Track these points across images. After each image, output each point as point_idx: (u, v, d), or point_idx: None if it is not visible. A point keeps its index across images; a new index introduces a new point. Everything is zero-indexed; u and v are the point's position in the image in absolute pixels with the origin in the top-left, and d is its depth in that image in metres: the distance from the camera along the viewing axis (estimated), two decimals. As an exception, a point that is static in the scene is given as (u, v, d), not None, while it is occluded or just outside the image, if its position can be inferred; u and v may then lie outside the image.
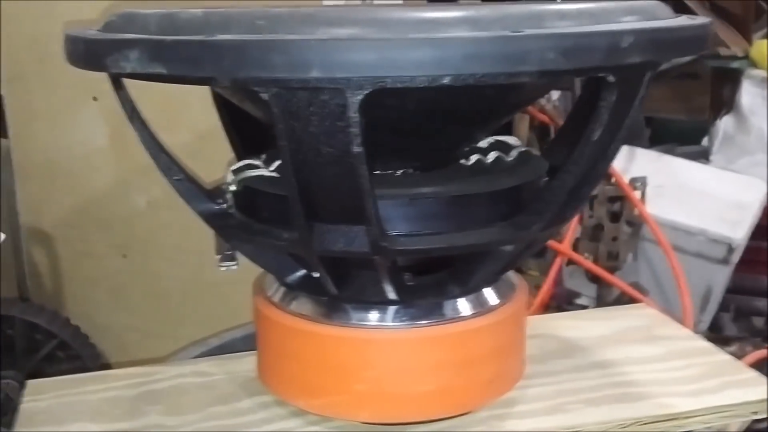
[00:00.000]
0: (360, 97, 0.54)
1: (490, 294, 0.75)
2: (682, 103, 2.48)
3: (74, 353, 1.28)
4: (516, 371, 0.77)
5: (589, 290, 1.81)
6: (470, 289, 0.72)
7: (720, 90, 2.26)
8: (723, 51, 2.19)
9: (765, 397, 0.78)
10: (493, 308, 0.74)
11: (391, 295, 0.69)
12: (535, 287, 1.70)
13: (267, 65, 0.51)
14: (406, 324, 0.71)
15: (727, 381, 0.80)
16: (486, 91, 0.61)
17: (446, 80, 0.53)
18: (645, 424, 0.75)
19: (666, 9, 0.66)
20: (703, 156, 2.08)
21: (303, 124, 0.57)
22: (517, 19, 0.55)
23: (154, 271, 1.29)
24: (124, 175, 1.25)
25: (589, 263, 1.67)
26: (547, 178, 0.73)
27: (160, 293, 1.30)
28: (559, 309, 1.86)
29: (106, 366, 1.35)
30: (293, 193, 0.61)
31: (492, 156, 0.75)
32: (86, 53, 0.60)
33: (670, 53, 0.61)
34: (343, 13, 0.55)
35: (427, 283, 0.72)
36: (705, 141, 2.12)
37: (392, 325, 0.71)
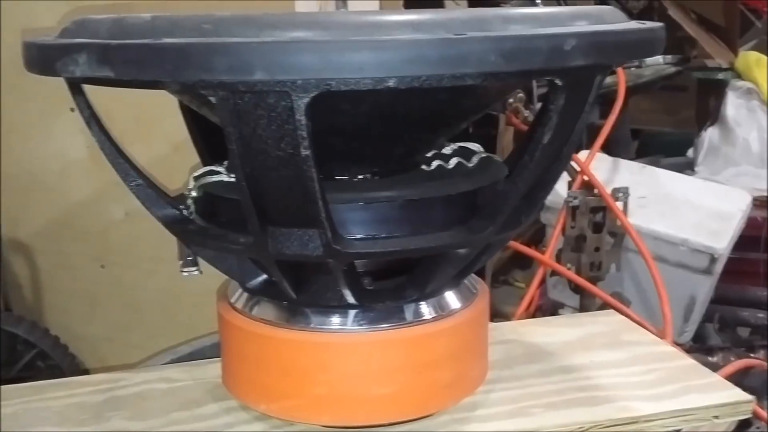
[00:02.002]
0: (306, 100, 0.54)
1: (451, 298, 0.75)
2: (670, 116, 2.50)
3: (53, 363, 1.28)
4: (477, 375, 0.78)
5: (572, 301, 1.81)
6: (428, 293, 0.72)
7: (705, 101, 2.27)
8: (708, 62, 2.21)
9: (726, 401, 0.78)
10: (453, 312, 0.74)
11: (350, 298, 0.69)
12: (521, 299, 1.71)
13: (210, 68, 0.52)
14: (366, 328, 0.71)
15: (689, 385, 0.81)
16: (438, 95, 0.62)
17: (391, 83, 0.54)
18: (605, 427, 0.75)
19: (618, 14, 0.66)
20: (688, 167, 2.09)
21: (251, 128, 0.57)
22: (461, 23, 0.56)
23: (132, 282, 1.29)
24: (101, 186, 1.26)
25: (571, 274, 1.67)
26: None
27: (137, 304, 1.30)
28: (545, 320, 1.86)
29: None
30: (245, 196, 0.61)
31: (453, 162, 0.76)
32: (39, 58, 0.61)
33: (617, 56, 0.62)
34: (288, 17, 0.56)
35: (386, 287, 0.73)
36: (690, 152, 2.13)
37: (352, 328, 0.71)
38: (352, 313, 0.71)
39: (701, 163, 2.07)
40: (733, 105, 2.05)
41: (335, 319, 0.71)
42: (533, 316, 1.79)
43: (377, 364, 0.71)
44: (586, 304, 1.73)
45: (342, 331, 0.71)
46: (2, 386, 0.83)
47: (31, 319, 1.28)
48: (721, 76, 2.14)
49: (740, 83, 2.07)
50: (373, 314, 0.71)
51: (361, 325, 0.71)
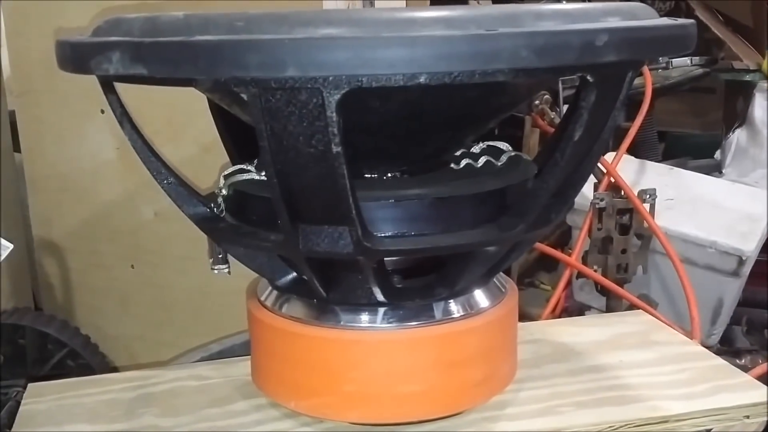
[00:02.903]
0: (338, 97, 0.55)
1: (480, 296, 0.75)
2: (697, 117, 2.48)
3: (84, 362, 1.29)
4: (506, 374, 0.78)
5: (599, 303, 1.80)
6: (457, 291, 0.72)
7: (733, 103, 2.25)
8: (736, 64, 2.19)
9: (758, 400, 0.77)
10: (482, 310, 0.74)
11: (379, 296, 0.70)
12: (547, 301, 1.70)
13: (243, 65, 0.52)
14: (395, 325, 0.71)
15: (719, 385, 0.80)
16: (467, 92, 0.62)
17: (422, 79, 0.54)
18: (635, 426, 0.74)
19: (650, 11, 0.66)
20: (715, 169, 2.07)
21: (282, 125, 0.58)
22: (492, 20, 0.56)
23: (162, 282, 1.31)
24: (131, 186, 1.27)
25: (598, 276, 1.66)
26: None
27: (167, 303, 1.31)
28: (571, 322, 1.85)
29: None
30: (276, 194, 0.62)
31: (482, 161, 0.76)
32: (73, 57, 0.62)
33: (649, 52, 0.61)
34: (319, 14, 0.56)
35: (415, 285, 0.73)
36: (718, 154, 2.11)
37: (381, 326, 0.71)
38: (381, 310, 0.71)
39: (729, 165, 2.05)
40: (761, 107, 2.03)
41: (365, 317, 0.72)
42: (558, 318, 1.79)
43: (406, 362, 0.71)
44: (613, 306, 1.72)
45: (371, 329, 0.71)
46: (36, 383, 0.84)
47: (62, 319, 1.29)
48: (748, 77, 2.11)
49: (768, 85, 2.05)
50: (403, 312, 0.72)
51: (390, 322, 0.71)
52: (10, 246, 1.08)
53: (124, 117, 0.70)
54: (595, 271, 1.67)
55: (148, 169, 0.73)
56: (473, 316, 0.73)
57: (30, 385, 0.84)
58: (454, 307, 0.73)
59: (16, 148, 1.36)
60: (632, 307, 1.63)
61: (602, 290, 1.72)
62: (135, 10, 0.67)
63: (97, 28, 0.66)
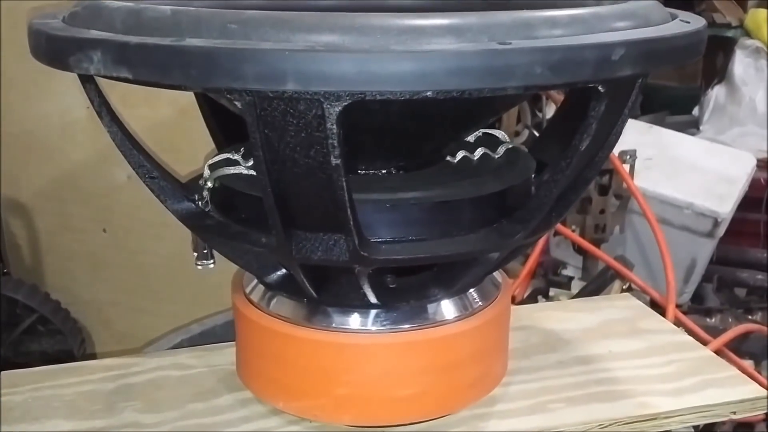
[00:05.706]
0: (339, 109, 0.51)
1: (474, 296, 0.73)
2: (676, 70, 2.46)
3: (55, 327, 1.26)
4: (499, 371, 0.77)
5: (575, 260, 1.81)
6: (453, 292, 0.70)
7: (713, 58, 2.23)
8: (717, 17, 2.16)
9: (745, 397, 0.78)
10: (476, 311, 0.72)
11: (372, 299, 0.68)
12: (524, 256, 1.70)
13: (239, 76, 0.48)
14: (388, 328, 0.69)
15: (707, 379, 0.80)
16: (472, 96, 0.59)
17: (429, 93, 0.51)
18: (625, 424, 0.74)
19: (661, 10, 0.63)
20: (693, 126, 2.06)
21: (279, 135, 0.54)
22: (505, 28, 0.53)
23: (135, 247, 1.27)
24: (103, 148, 1.22)
25: (575, 236, 1.66)
26: (534, 177, 0.72)
27: (141, 268, 1.28)
28: (545, 278, 1.86)
29: (88, 339, 1.34)
30: (269, 201, 0.58)
31: (478, 153, 0.73)
32: (48, 50, 0.57)
33: (664, 63, 0.58)
34: (321, 19, 0.52)
35: (409, 285, 0.70)
36: (696, 110, 2.10)
37: (374, 329, 0.69)
38: (373, 312, 0.69)
39: (706, 122, 2.05)
40: (741, 64, 2.01)
41: (357, 319, 0.69)
42: (534, 274, 1.79)
43: (400, 365, 0.69)
44: (589, 265, 1.73)
45: (364, 332, 0.69)
46: (14, 371, 0.81)
47: (31, 283, 1.26)
48: (730, 33, 2.09)
49: (749, 42, 2.03)
50: (395, 314, 0.69)
51: (383, 325, 0.69)
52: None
53: (102, 108, 0.66)
54: (573, 231, 1.67)
55: (130, 164, 0.69)
56: (467, 318, 0.71)
57: (4, 374, 0.81)
58: (448, 309, 0.71)
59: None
60: (608, 266, 1.64)
61: (579, 250, 1.72)
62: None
63: (73, 13, 0.61)
